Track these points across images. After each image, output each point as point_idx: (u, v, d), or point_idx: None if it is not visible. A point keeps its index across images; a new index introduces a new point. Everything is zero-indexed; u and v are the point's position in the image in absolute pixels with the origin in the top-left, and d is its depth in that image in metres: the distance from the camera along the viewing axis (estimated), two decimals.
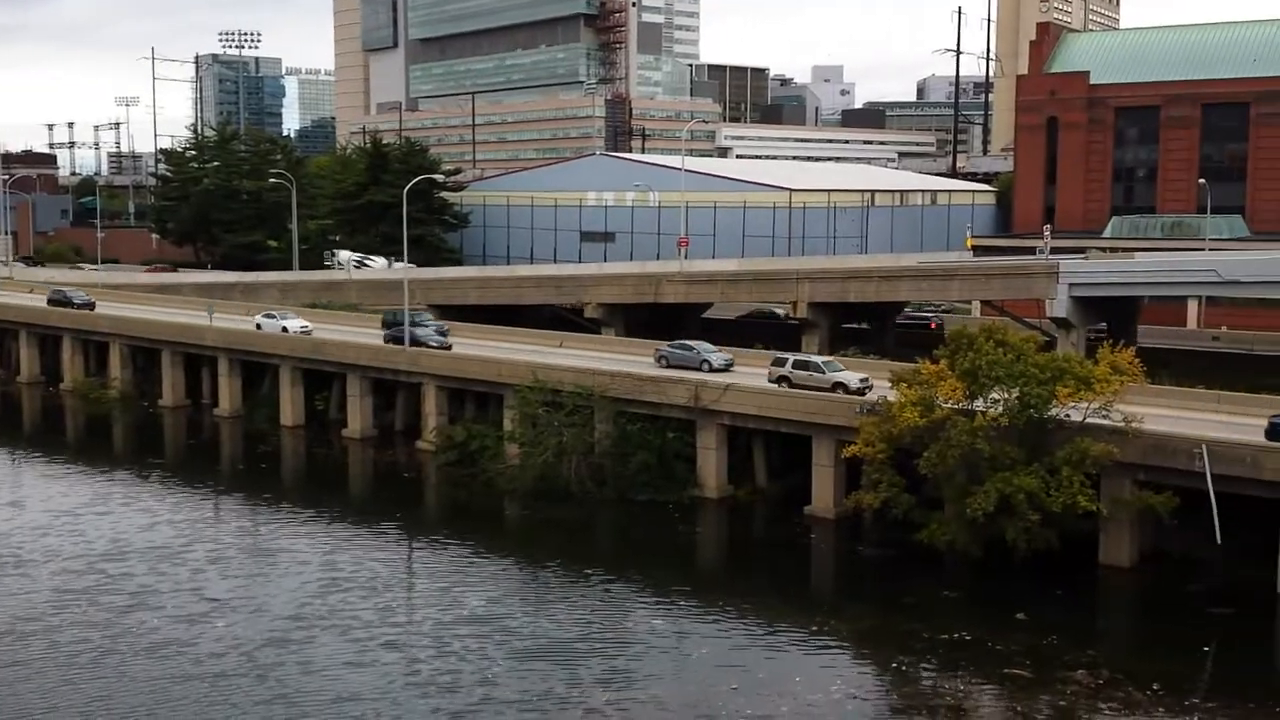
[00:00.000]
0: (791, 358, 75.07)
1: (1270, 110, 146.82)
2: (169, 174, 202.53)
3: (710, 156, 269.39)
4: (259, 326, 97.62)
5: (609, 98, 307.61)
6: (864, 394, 67.80)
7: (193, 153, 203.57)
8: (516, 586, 58.71)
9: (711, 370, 77.21)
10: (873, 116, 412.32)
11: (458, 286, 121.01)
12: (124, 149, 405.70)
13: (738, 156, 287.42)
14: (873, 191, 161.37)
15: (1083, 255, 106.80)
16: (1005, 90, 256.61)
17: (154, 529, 66.83)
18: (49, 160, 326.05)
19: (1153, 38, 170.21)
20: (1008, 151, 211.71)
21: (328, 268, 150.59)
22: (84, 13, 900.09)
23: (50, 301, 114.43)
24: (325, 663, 48.06)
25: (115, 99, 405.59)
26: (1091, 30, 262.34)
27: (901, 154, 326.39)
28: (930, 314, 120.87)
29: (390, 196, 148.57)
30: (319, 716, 43.45)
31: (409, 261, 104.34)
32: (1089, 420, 57.86)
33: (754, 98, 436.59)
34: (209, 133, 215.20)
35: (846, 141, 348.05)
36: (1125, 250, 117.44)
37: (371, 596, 55.78)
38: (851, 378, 70.41)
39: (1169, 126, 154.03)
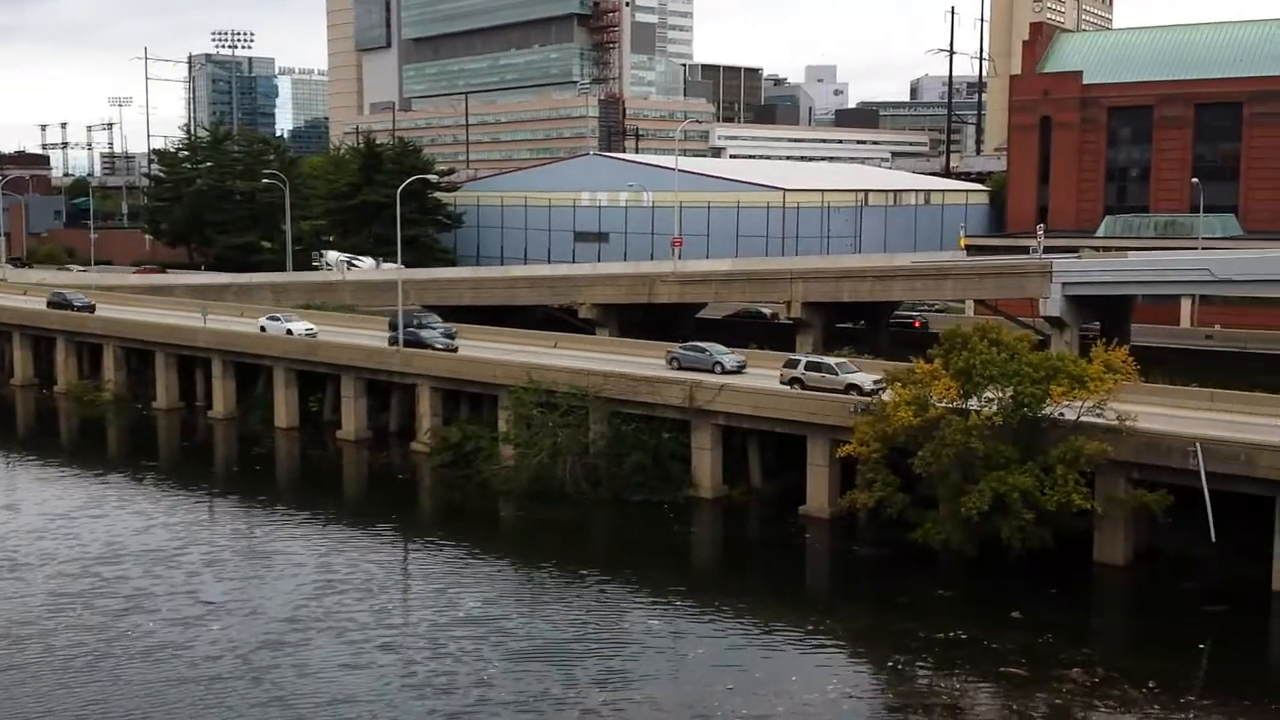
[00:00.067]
0: (804, 359, 74.03)
1: (1263, 110, 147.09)
2: (162, 175, 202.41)
3: (704, 156, 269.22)
4: (263, 329, 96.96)
5: (602, 98, 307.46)
6: (877, 395, 66.09)
7: (186, 153, 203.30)
8: (512, 587, 58.74)
9: (724, 372, 76.33)
10: (866, 116, 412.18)
11: (452, 287, 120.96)
12: (117, 149, 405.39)
13: (731, 156, 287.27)
14: (866, 191, 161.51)
15: (1076, 254, 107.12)
16: (999, 90, 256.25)
17: (149, 532, 66.76)
18: (42, 161, 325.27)
19: (1146, 38, 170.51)
20: (1001, 151, 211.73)
21: (315, 268, 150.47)
22: (82, 12, 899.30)
23: (50, 304, 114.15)
24: (321, 665, 48.03)
25: (108, 99, 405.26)
26: (1084, 30, 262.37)
27: (895, 154, 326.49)
28: (914, 314, 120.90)
29: (384, 197, 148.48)
30: (315, 719, 43.44)
31: (402, 262, 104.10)
32: (1083, 419, 57.97)
33: (747, 98, 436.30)
34: (202, 133, 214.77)
35: (840, 141, 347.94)
36: (1118, 249, 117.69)
37: (367, 598, 55.75)
38: (865, 379, 68.99)
39: (1162, 126, 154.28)
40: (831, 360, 73.24)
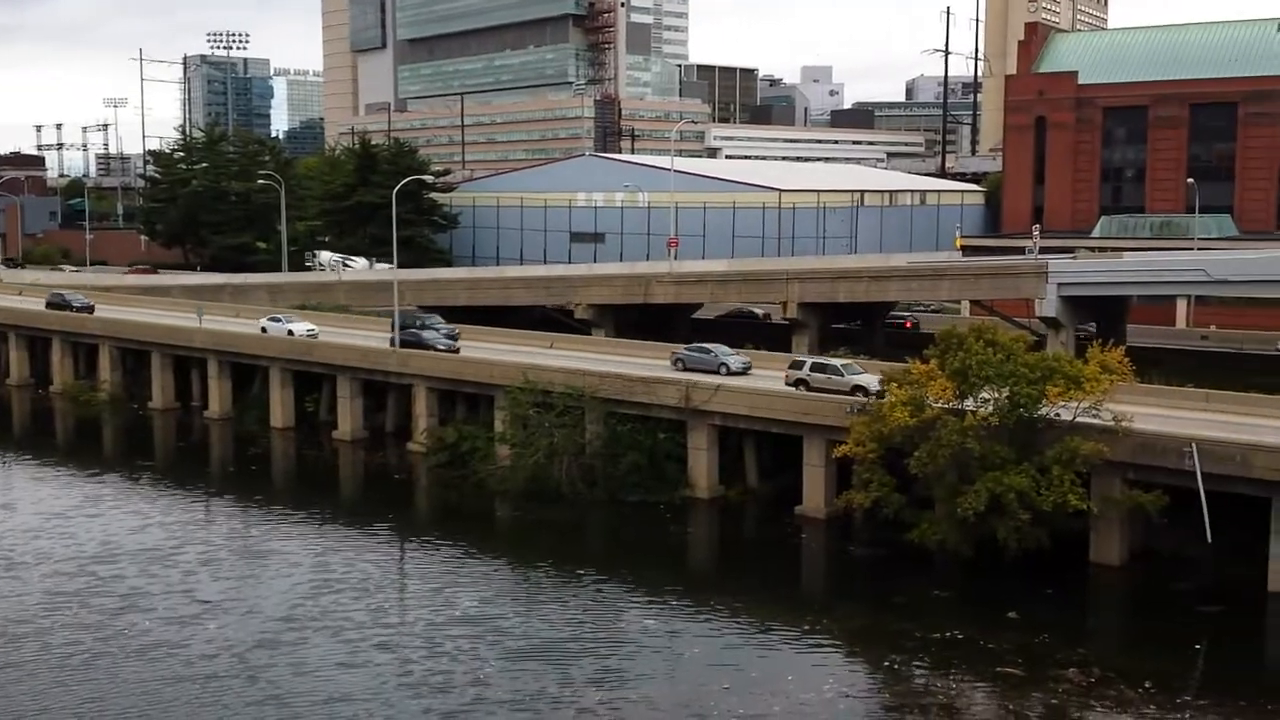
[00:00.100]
0: (809, 360, 73.49)
1: (1258, 110, 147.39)
2: (157, 175, 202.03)
3: (699, 157, 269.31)
4: (264, 330, 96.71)
5: (598, 98, 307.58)
6: (884, 397, 64.78)
7: (181, 154, 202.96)
8: (508, 587, 58.72)
9: (730, 373, 76.03)
10: (862, 117, 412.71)
11: (447, 288, 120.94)
12: (112, 150, 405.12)
13: (727, 157, 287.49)
14: (862, 192, 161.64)
15: (1071, 255, 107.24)
16: (994, 90, 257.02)
17: (145, 531, 66.71)
18: (37, 162, 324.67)
19: (1141, 38, 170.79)
20: (996, 151, 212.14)
21: (308, 268, 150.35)
22: (81, 13, 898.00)
23: (49, 305, 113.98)
24: (317, 664, 48.02)
25: (103, 100, 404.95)
26: (1079, 30, 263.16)
27: (890, 154, 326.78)
28: (905, 314, 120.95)
29: (379, 197, 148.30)
30: (311, 717, 43.42)
31: (398, 263, 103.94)
32: (1079, 419, 58.02)
33: (743, 98, 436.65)
34: (197, 134, 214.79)
35: (836, 142, 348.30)
36: (1114, 250, 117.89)
37: (363, 598, 55.73)
38: (871, 380, 67.97)
39: (1157, 126, 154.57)
40: (838, 362, 72.42)
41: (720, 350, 79.18)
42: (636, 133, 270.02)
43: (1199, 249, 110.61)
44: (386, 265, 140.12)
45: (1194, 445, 55.69)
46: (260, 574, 59.86)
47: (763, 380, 73.92)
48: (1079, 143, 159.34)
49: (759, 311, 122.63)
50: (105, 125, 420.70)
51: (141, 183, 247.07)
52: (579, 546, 67.10)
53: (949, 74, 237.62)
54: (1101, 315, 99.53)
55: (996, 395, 58.48)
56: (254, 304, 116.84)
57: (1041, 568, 56.71)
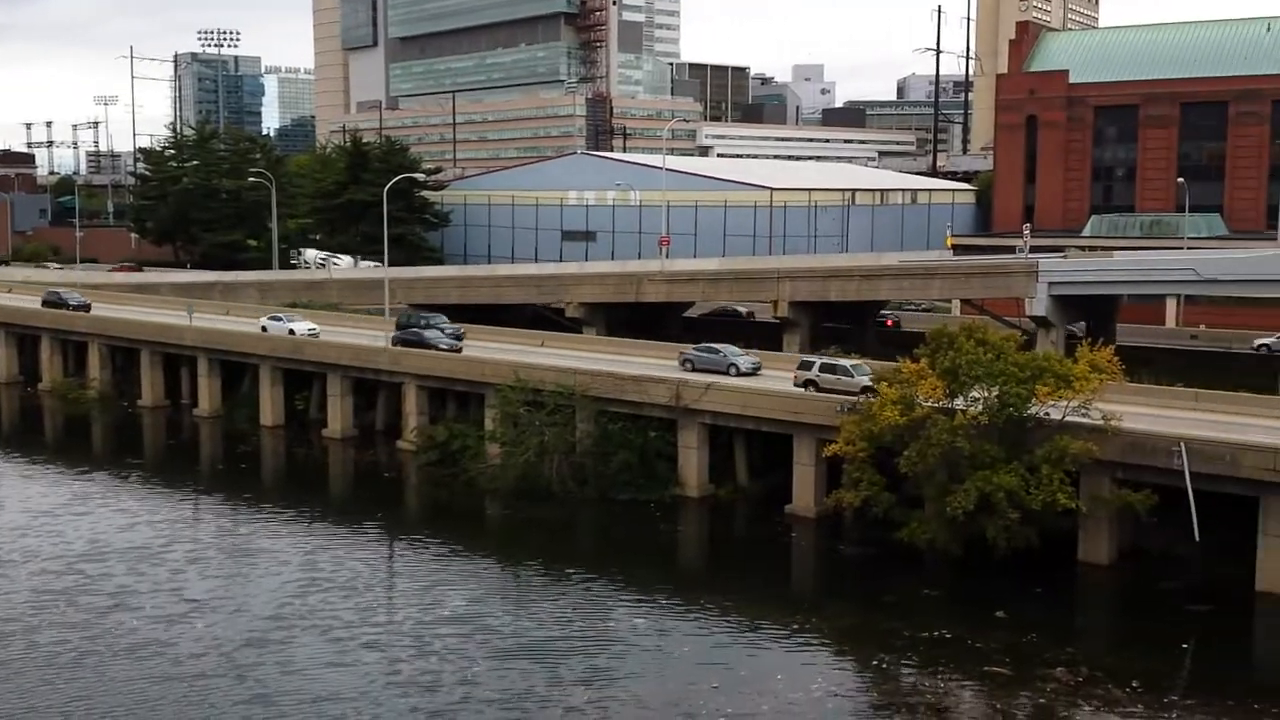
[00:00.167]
0: (818, 361, 73.09)
1: (1248, 109, 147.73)
2: (148, 173, 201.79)
3: (691, 155, 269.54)
4: (264, 329, 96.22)
5: (590, 96, 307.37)
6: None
7: (171, 152, 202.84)
8: (497, 586, 58.64)
9: (739, 374, 75.76)
10: (853, 116, 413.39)
11: (438, 286, 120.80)
12: (103, 148, 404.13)
13: (719, 155, 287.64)
14: (853, 191, 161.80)
15: (1062, 254, 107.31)
16: (985, 89, 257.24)
17: (133, 529, 66.54)
18: (27, 159, 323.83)
19: (1132, 37, 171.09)
20: (987, 150, 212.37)
21: (294, 266, 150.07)
22: (74, 11, 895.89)
23: (45, 303, 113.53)
24: (305, 663, 47.92)
25: (94, 98, 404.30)
26: (1071, 29, 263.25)
27: (882, 153, 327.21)
28: (888, 313, 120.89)
29: (370, 195, 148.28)
30: (299, 716, 43.32)
31: (389, 261, 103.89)
32: (1068, 418, 58.06)
33: (735, 97, 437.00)
34: (188, 132, 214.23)
35: (827, 141, 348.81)
36: (1104, 249, 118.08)
37: (352, 596, 55.63)
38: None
39: (1148, 125, 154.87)
40: (847, 362, 72.17)
41: (730, 351, 78.81)
42: (628, 131, 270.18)
43: (1189, 248, 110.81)
44: (371, 263, 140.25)
45: (1183, 445, 55.77)
46: (249, 572, 59.72)
47: (771, 381, 73.59)
48: (1070, 142, 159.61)
49: (742, 310, 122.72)
50: (96, 123, 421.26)
51: (132, 180, 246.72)
52: (569, 545, 67.05)
53: (940, 73, 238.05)
54: (1092, 314, 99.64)
55: (986, 394, 58.47)
56: (244, 302, 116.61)
57: (1030, 567, 56.77)
